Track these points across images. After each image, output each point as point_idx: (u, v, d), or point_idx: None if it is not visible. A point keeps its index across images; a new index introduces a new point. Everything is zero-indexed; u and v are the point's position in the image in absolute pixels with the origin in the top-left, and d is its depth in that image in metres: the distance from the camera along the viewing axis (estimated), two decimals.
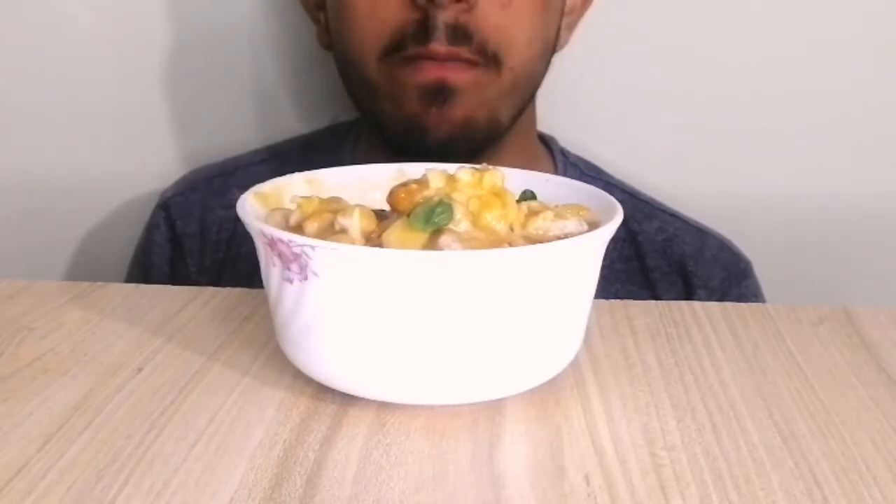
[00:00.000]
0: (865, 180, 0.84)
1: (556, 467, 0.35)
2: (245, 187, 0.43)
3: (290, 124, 0.83)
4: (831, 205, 0.84)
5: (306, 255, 0.36)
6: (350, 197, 0.43)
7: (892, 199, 0.84)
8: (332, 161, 0.48)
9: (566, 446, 0.36)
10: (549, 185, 0.46)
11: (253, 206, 0.42)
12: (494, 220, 0.39)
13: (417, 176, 0.41)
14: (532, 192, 0.44)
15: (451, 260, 0.36)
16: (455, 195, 0.40)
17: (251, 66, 0.83)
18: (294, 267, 0.37)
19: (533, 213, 0.41)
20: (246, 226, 0.39)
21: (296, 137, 0.80)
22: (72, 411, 0.38)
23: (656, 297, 0.70)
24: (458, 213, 0.39)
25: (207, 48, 0.82)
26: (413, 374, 0.37)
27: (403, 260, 0.36)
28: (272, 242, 0.37)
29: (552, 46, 0.69)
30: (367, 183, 0.47)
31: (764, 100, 0.83)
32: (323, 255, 0.36)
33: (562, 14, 0.70)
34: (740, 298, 0.71)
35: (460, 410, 0.39)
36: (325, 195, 0.43)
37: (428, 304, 0.36)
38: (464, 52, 0.62)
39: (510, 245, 0.38)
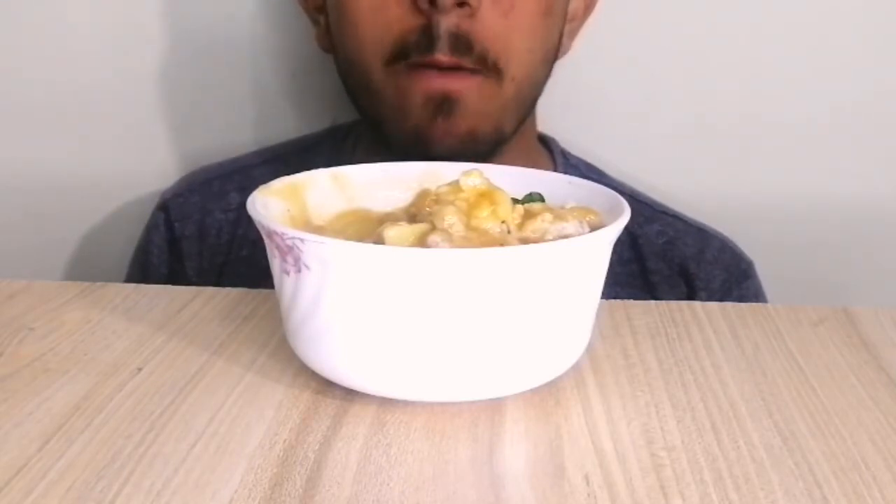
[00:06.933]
0: (865, 180, 0.84)
1: (556, 467, 0.35)
2: (244, 189, 0.43)
3: (290, 126, 0.83)
4: (831, 205, 0.84)
5: (297, 247, 0.36)
6: (376, 195, 0.45)
7: (892, 199, 0.84)
8: (331, 163, 0.49)
9: (566, 446, 0.36)
10: (572, 188, 0.45)
11: (273, 201, 0.43)
12: (485, 220, 0.40)
13: (446, 175, 0.42)
14: (539, 195, 0.44)
15: (430, 257, 0.36)
16: (451, 196, 0.40)
17: (251, 67, 0.83)
18: (290, 259, 0.37)
19: (531, 216, 0.41)
20: (253, 220, 0.39)
21: (295, 139, 0.80)
22: (72, 411, 0.38)
23: (657, 301, 0.70)
24: (450, 213, 0.39)
25: (207, 49, 0.82)
26: (407, 369, 0.37)
27: (383, 256, 0.36)
28: (269, 234, 0.38)
29: (554, 53, 0.69)
30: (394, 180, 0.47)
31: (764, 100, 0.82)
32: (311, 248, 0.36)
33: (564, 20, 0.70)
34: (741, 299, 0.71)
35: (460, 410, 0.39)
36: (351, 192, 0.45)
37: (411, 301, 0.36)
38: (465, 62, 0.62)
39: (501, 246, 0.38)
